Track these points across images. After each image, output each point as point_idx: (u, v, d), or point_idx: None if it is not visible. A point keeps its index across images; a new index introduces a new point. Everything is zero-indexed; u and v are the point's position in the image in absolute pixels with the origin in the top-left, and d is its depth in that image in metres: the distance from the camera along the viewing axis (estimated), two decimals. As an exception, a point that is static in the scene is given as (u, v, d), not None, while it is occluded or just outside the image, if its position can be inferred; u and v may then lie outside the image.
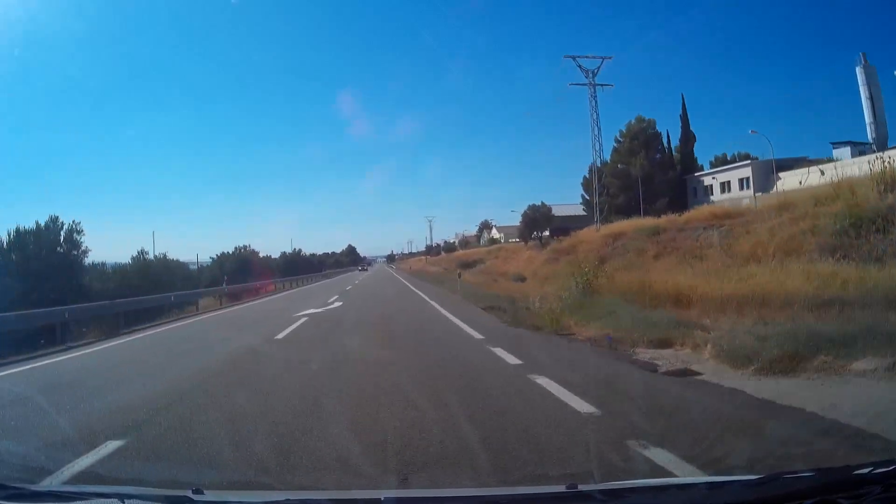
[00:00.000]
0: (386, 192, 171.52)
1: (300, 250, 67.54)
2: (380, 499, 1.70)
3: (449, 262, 56.72)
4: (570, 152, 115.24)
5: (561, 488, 1.77)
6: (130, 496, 1.81)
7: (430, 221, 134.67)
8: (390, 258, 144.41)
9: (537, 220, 42.22)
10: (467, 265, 43.78)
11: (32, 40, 56.65)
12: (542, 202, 45.37)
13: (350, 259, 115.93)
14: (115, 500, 1.76)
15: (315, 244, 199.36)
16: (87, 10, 59.29)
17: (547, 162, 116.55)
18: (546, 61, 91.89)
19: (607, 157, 43.07)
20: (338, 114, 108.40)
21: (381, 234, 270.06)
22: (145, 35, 77.97)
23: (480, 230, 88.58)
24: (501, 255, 43.43)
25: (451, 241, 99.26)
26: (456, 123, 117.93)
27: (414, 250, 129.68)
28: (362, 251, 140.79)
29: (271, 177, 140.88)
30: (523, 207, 44.69)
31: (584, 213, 45.62)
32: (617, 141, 43.76)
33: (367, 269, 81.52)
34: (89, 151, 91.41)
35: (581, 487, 1.73)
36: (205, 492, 1.77)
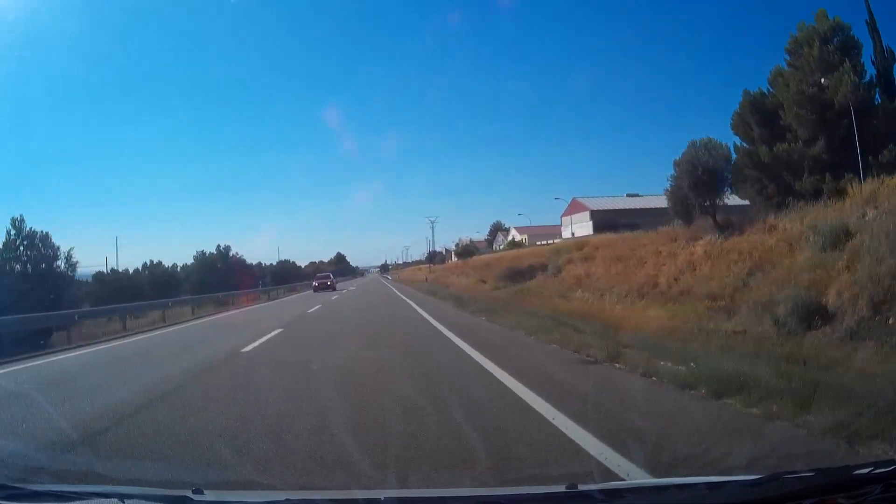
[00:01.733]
0: (379, 201, 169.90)
1: (228, 248, 46.06)
2: (380, 499, 1.70)
3: (480, 271, 35.54)
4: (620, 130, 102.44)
5: (561, 488, 1.77)
6: (130, 496, 1.81)
7: (432, 222, 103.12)
8: (384, 268, 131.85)
9: (714, 171, 17.68)
10: (520, 274, 26.81)
11: (26, 42, 56.48)
12: (710, 138, 19.59)
13: (339, 269, 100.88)
14: (115, 500, 1.76)
15: (307, 254, 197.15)
16: (75, 19, 59.23)
17: (578, 154, 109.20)
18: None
19: (763, 85, 23.42)
20: (330, 121, 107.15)
21: (374, 244, 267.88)
22: (139, 43, 77.95)
23: (493, 233, 78.46)
24: (601, 255, 22.31)
25: (452, 247, 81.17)
26: (455, 125, 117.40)
27: (409, 259, 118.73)
28: (354, 261, 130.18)
29: (261, 184, 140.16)
30: (540, 207, 30.03)
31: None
32: (789, 52, 22.82)
33: (331, 287, 39.26)
34: (70, 156, 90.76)
35: (581, 487, 1.73)
36: (205, 491, 1.77)
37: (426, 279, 28.84)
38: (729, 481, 1.78)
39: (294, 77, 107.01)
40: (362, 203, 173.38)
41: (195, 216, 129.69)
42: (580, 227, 49.20)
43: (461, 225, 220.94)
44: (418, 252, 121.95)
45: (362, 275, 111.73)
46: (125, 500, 1.74)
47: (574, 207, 53.03)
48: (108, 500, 1.80)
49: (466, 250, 61.95)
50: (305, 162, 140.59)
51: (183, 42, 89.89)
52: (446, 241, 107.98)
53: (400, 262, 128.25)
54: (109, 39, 75.44)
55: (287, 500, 1.70)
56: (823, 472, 1.72)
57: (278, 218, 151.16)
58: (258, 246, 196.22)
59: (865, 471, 1.50)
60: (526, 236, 60.91)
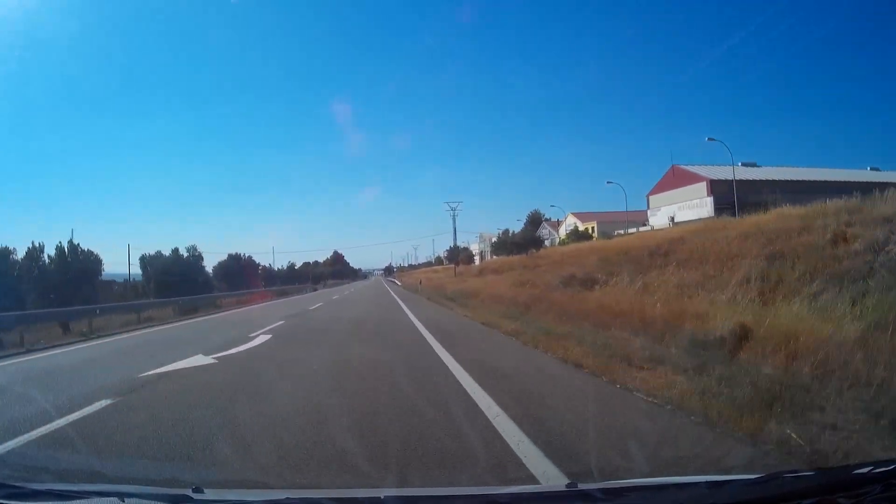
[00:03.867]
0: (382, 202, 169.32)
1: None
2: (380, 497, 1.70)
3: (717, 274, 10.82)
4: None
5: (561, 487, 1.78)
6: (130, 495, 1.80)
7: (453, 209, 62.19)
8: (388, 270, 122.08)
9: None
10: None
11: (29, 42, 56.39)
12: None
13: (335, 270, 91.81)
14: (114, 500, 1.75)
15: (308, 254, 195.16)
16: (79, 16, 59.13)
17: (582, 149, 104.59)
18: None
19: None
20: (332, 121, 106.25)
21: (378, 246, 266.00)
22: (143, 43, 78.03)
23: (533, 224, 56.30)
24: None
25: (473, 244, 67.36)
26: (466, 121, 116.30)
27: (416, 261, 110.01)
28: (357, 262, 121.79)
29: (263, 186, 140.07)
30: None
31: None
32: None
33: None
34: (77, 155, 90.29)
35: (581, 486, 1.73)
36: (205, 490, 1.77)
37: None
38: (729, 480, 1.78)
39: (298, 73, 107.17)
40: (365, 205, 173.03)
41: (194, 214, 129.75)
42: (686, 207, 33.92)
43: (469, 223, 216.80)
44: (424, 254, 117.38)
45: (364, 278, 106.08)
46: (125, 500, 1.74)
47: (673, 180, 36.36)
48: (108, 498, 1.80)
49: (529, 240, 39.56)
50: (308, 164, 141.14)
51: (186, 42, 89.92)
52: (448, 241, 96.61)
53: (405, 264, 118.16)
54: (110, 37, 75.36)
55: (287, 498, 1.69)
56: (823, 472, 1.72)
57: (280, 219, 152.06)
58: (258, 247, 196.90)
59: (865, 470, 1.50)
60: (594, 224, 45.31)
